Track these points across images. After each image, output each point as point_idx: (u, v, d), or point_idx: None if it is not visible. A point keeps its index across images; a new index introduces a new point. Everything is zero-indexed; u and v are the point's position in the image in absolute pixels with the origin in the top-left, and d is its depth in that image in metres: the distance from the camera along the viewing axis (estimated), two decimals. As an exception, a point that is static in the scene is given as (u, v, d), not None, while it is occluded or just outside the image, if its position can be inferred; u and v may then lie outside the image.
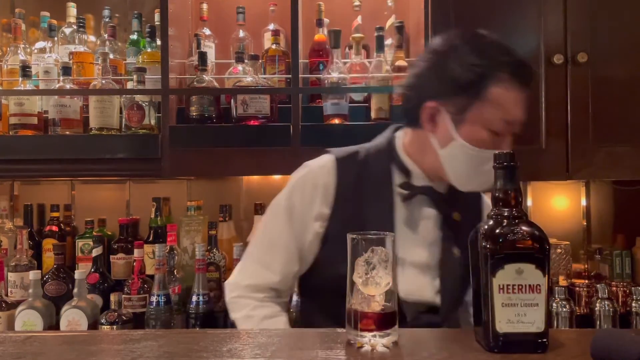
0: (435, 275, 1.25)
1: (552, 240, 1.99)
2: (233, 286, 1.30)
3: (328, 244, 1.25)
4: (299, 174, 1.31)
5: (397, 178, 1.27)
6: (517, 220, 0.80)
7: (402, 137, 1.32)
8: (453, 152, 1.21)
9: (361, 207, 1.24)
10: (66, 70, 1.86)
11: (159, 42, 1.96)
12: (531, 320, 0.78)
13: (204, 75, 1.88)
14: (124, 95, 1.88)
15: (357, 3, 2.07)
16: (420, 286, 1.23)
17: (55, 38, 2.05)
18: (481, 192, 1.32)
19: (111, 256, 1.95)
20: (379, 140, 1.34)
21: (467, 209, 1.31)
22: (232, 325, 1.27)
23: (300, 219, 1.26)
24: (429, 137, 1.24)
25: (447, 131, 1.21)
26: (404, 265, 1.22)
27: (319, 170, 1.29)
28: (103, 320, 1.68)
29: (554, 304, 1.71)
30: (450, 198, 1.28)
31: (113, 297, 1.70)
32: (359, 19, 2.04)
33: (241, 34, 2.10)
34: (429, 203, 1.27)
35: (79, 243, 1.96)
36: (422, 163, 1.28)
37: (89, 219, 2.01)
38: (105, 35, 2.06)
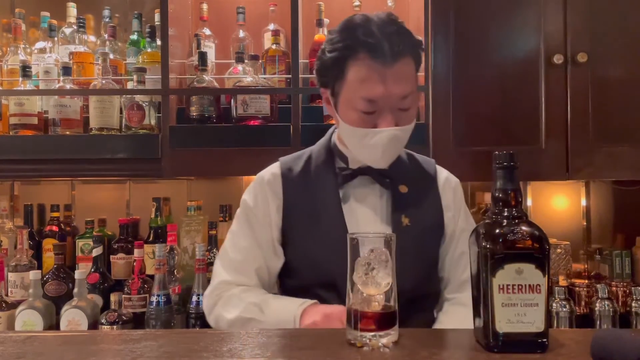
0: None
1: (552, 240, 1.99)
2: (213, 288, 1.31)
3: (290, 231, 1.30)
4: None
5: (339, 164, 1.33)
6: (517, 220, 0.80)
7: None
8: (342, 134, 1.30)
9: (310, 193, 1.30)
10: (66, 70, 1.86)
11: (159, 42, 1.96)
12: (531, 320, 0.78)
13: (204, 76, 1.89)
14: (124, 95, 1.88)
15: (357, 3, 2.07)
16: None
17: (56, 38, 2.05)
18: (371, 165, 1.31)
19: (111, 256, 1.95)
20: (324, 137, 1.41)
21: (416, 180, 1.33)
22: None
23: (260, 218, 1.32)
24: None
25: (335, 115, 1.28)
26: None
27: (265, 173, 1.36)
28: (103, 320, 1.68)
29: (554, 304, 1.71)
30: (393, 173, 1.30)
31: (113, 297, 1.71)
32: (359, 19, 2.03)
33: (241, 34, 2.10)
34: (371, 180, 1.30)
35: (79, 243, 1.97)
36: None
37: (89, 219, 2.01)
38: (106, 36, 2.06)
